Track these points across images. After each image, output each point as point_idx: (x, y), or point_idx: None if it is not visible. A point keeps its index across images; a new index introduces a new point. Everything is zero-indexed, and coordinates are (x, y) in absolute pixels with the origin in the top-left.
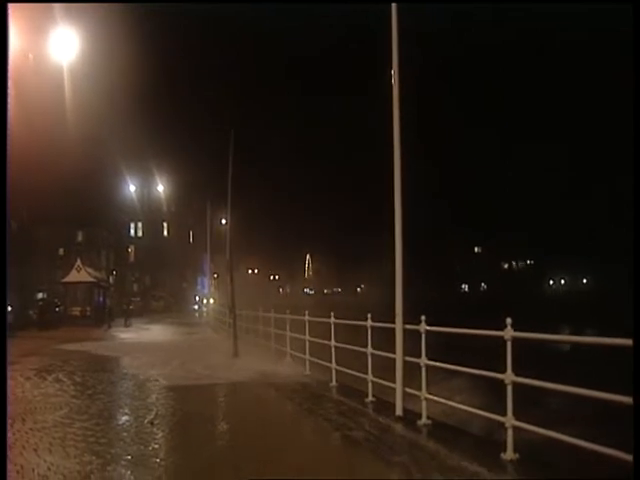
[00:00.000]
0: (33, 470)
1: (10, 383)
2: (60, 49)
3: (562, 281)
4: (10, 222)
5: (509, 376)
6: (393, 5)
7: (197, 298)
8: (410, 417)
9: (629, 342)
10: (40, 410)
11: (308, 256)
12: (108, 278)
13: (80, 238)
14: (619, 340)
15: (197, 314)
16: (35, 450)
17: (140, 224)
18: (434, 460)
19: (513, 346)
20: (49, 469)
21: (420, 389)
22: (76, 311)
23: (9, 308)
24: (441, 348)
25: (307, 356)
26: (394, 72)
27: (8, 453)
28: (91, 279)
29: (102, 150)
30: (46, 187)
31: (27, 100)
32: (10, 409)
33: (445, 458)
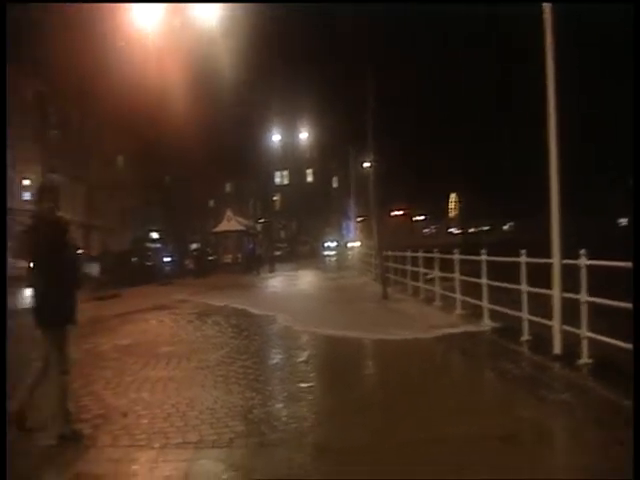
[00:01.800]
0: (202, 403)
1: (173, 326)
2: (203, 12)
3: None
4: (164, 178)
5: None
6: None
7: (326, 244)
8: (569, 356)
9: None
10: (203, 350)
11: (453, 195)
12: (256, 226)
13: (228, 189)
14: None
15: (334, 259)
16: (202, 386)
17: (285, 172)
18: (596, 400)
19: None
20: (215, 402)
21: (580, 327)
22: (227, 259)
23: (168, 259)
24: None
25: (458, 295)
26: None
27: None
28: (241, 228)
29: (247, 102)
30: (195, 142)
31: (176, 60)
32: (176, 349)
33: (609, 398)
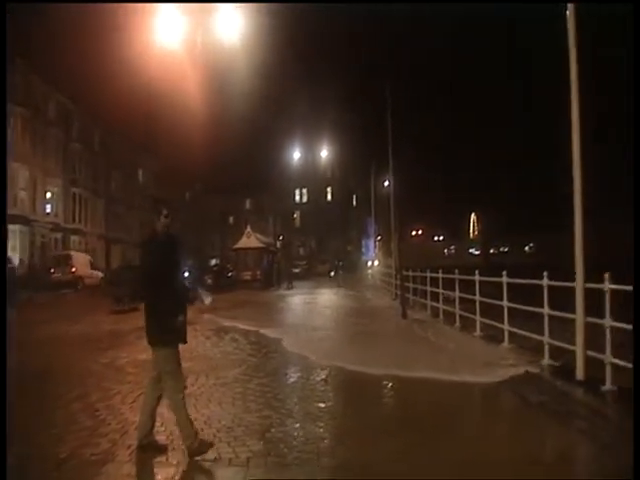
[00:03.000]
0: (219, 421)
1: (192, 341)
2: (224, 29)
3: None
4: (185, 194)
5: None
6: None
7: (339, 263)
8: (592, 382)
9: None
10: (221, 367)
11: (473, 215)
12: (275, 243)
13: (248, 206)
14: None
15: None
16: (220, 403)
17: (305, 190)
18: (620, 430)
19: None
20: (233, 421)
21: (604, 352)
22: (247, 275)
23: (187, 274)
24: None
25: (478, 317)
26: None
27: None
28: (260, 245)
29: (267, 121)
30: (216, 159)
31: (198, 76)
32: (194, 365)
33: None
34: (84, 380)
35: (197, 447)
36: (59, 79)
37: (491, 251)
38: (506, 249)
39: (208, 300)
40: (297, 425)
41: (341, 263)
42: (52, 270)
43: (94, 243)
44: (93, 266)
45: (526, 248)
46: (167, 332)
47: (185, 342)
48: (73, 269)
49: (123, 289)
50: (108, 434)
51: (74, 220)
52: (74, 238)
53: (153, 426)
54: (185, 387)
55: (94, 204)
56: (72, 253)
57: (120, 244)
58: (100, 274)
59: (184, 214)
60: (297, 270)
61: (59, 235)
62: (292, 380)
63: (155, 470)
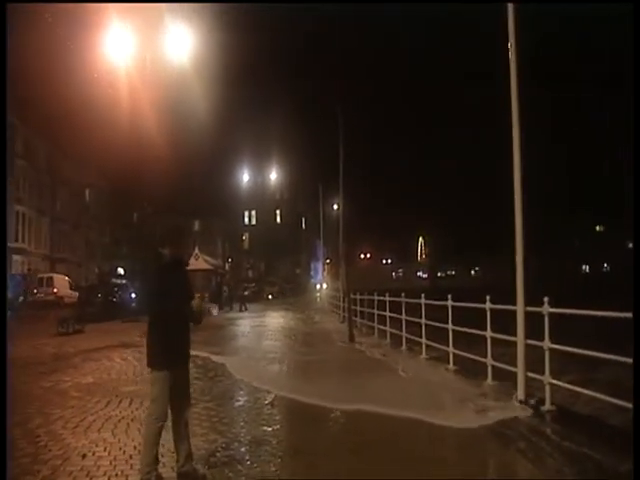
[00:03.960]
0: (163, 446)
1: (137, 365)
2: (173, 48)
3: None
4: (133, 215)
5: None
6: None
7: (286, 286)
8: (532, 403)
9: None
10: None
11: (421, 239)
12: (224, 265)
13: (197, 227)
14: None
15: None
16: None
17: (254, 212)
18: (561, 450)
19: None
20: None
21: (542, 373)
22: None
23: (133, 295)
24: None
25: (424, 339)
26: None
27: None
28: (208, 266)
29: (216, 142)
30: (165, 180)
31: (146, 95)
32: (139, 388)
33: (574, 448)
34: (25, 405)
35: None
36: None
37: (438, 274)
38: (453, 272)
39: (215, 311)
40: (242, 449)
41: (289, 286)
42: (35, 291)
43: (38, 263)
44: (71, 287)
45: (472, 272)
46: (155, 354)
47: (175, 367)
48: (55, 290)
49: (68, 311)
50: (49, 460)
51: (17, 239)
52: (17, 258)
53: (189, 454)
54: (165, 419)
55: (38, 223)
56: (54, 275)
57: (65, 264)
58: (77, 294)
59: (132, 235)
60: (246, 293)
61: None
62: (238, 404)
63: None
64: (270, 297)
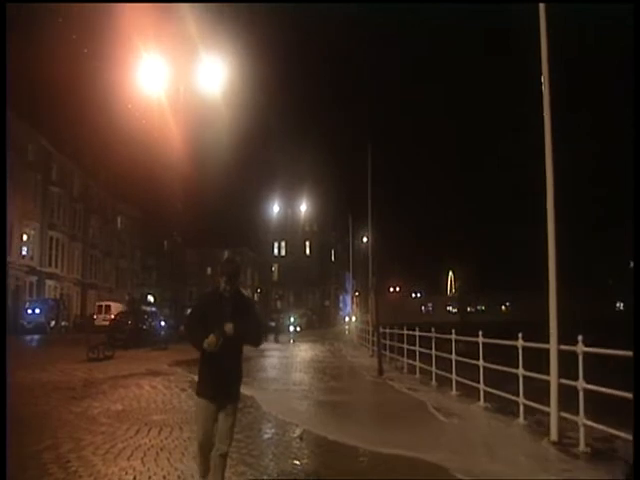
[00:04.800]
0: (192, 476)
1: (166, 393)
2: (206, 79)
3: None
4: (164, 243)
5: None
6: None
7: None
8: (566, 443)
9: None
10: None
11: (451, 273)
12: (253, 296)
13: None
14: None
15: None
16: (194, 458)
17: (283, 243)
18: None
19: None
20: None
21: (577, 414)
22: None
23: (163, 323)
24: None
25: (454, 376)
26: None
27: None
28: None
29: (247, 173)
30: (196, 209)
31: (179, 129)
32: (168, 418)
33: None
34: (56, 429)
35: None
36: (40, 122)
37: (468, 309)
38: (483, 307)
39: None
40: None
41: (317, 318)
42: (95, 316)
43: (70, 288)
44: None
45: (503, 307)
46: (198, 381)
47: (217, 399)
48: (112, 316)
49: (99, 337)
50: None
51: (50, 264)
52: (49, 282)
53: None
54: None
55: (71, 248)
56: (111, 303)
57: (96, 290)
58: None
59: (162, 264)
60: (273, 323)
61: (34, 278)
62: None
63: None
64: (298, 329)
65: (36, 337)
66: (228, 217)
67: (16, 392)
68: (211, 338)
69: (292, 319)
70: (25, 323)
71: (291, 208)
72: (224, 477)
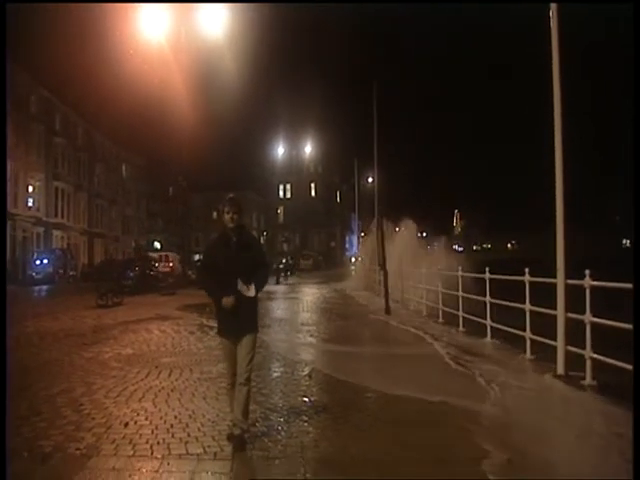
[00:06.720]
0: (204, 415)
1: (175, 336)
2: (209, 22)
3: None
4: (169, 189)
5: None
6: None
7: (320, 258)
8: (573, 376)
9: None
10: (205, 362)
11: (456, 212)
12: (259, 238)
13: None
14: None
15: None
16: (204, 398)
17: (289, 185)
18: (606, 423)
19: None
20: (217, 415)
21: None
22: None
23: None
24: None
25: (460, 312)
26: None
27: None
28: None
29: (251, 116)
30: (200, 154)
31: (181, 70)
32: (178, 360)
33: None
34: (69, 375)
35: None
36: (42, 72)
37: (474, 247)
38: (489, 245)
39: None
40: (281, 419)
41: (323, 259)
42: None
43: (76, 238)
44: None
45: (509, 245)
46: (218, 323)
47: (234, 335)
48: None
49: (107, 284)
50: (92, 428)
51: (56, 215)
52: (56, 233)
53: (244, 413)
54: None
55: (77, 198)
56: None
57: (102, 239)
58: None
59: (167, 210)
60: (281, 266)
61: (41, 229)
62: (276, 375)
63: (139, 464)
64: (306, 270)
65: (45, 287)
66: (233, 160)
67: (28, 340)
68: (229, 300)
69: (301, 261)
70: (34, 274)
71: (296, 150)
72: (248, 407)
